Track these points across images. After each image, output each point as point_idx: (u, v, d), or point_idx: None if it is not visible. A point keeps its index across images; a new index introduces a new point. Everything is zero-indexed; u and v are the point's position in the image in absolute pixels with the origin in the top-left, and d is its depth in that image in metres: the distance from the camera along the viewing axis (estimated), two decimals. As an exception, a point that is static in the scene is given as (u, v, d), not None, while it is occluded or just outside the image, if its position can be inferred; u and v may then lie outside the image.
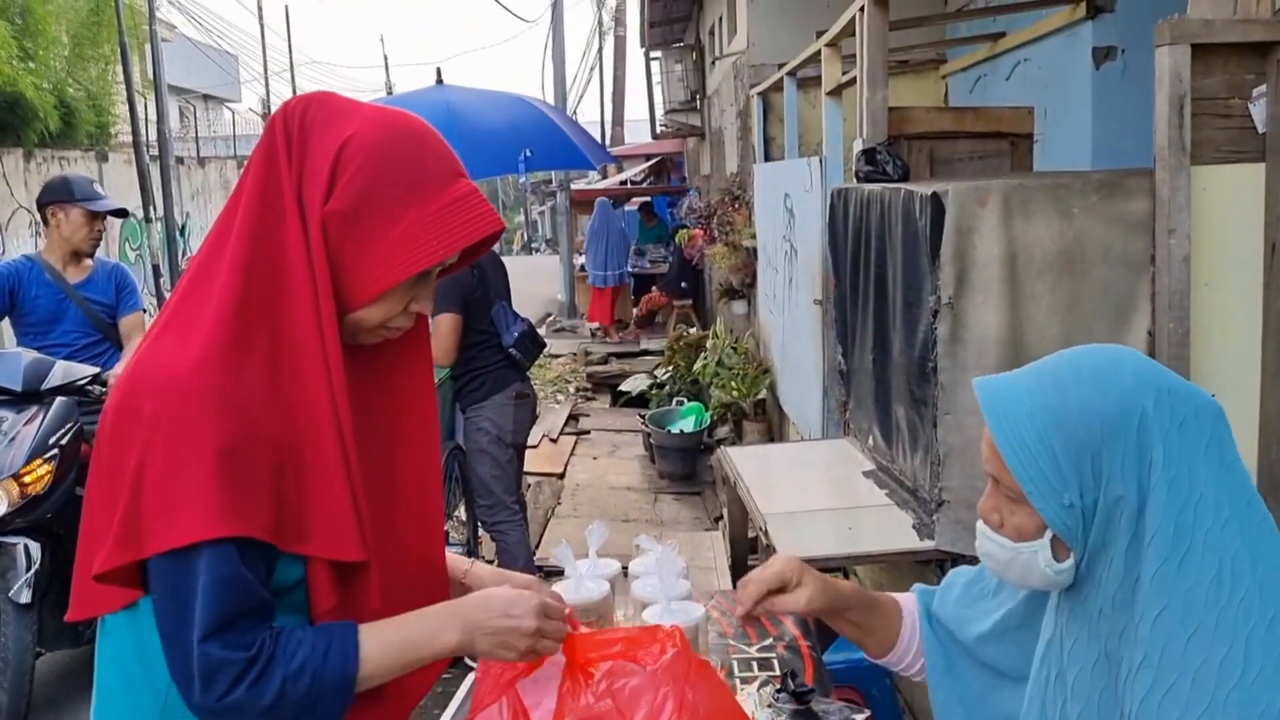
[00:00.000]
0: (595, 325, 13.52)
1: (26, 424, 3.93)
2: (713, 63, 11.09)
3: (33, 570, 3.73)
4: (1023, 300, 2.77)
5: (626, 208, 18.57)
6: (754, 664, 2.06)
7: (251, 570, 1.27)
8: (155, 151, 16.40)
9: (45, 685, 4.07)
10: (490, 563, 5.09)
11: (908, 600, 1.67)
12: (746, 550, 4.54)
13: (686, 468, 7.33)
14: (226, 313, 1.28)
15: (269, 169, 1.33)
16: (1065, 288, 2.75)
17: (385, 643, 1.35)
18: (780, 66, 6.62)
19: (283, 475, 1.28)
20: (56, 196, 4.54)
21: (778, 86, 6.79)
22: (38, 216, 4.76)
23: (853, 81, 4.45)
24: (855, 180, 3.83)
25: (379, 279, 1.34)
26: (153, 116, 16.35)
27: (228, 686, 1.25)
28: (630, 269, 14.44)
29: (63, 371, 4.15)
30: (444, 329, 4.35)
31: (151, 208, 15.82)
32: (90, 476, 1.32)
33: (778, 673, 1.99)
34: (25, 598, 3.70)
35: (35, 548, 3.78)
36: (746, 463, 3.85)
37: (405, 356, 1.48)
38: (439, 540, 1.56)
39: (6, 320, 4.67)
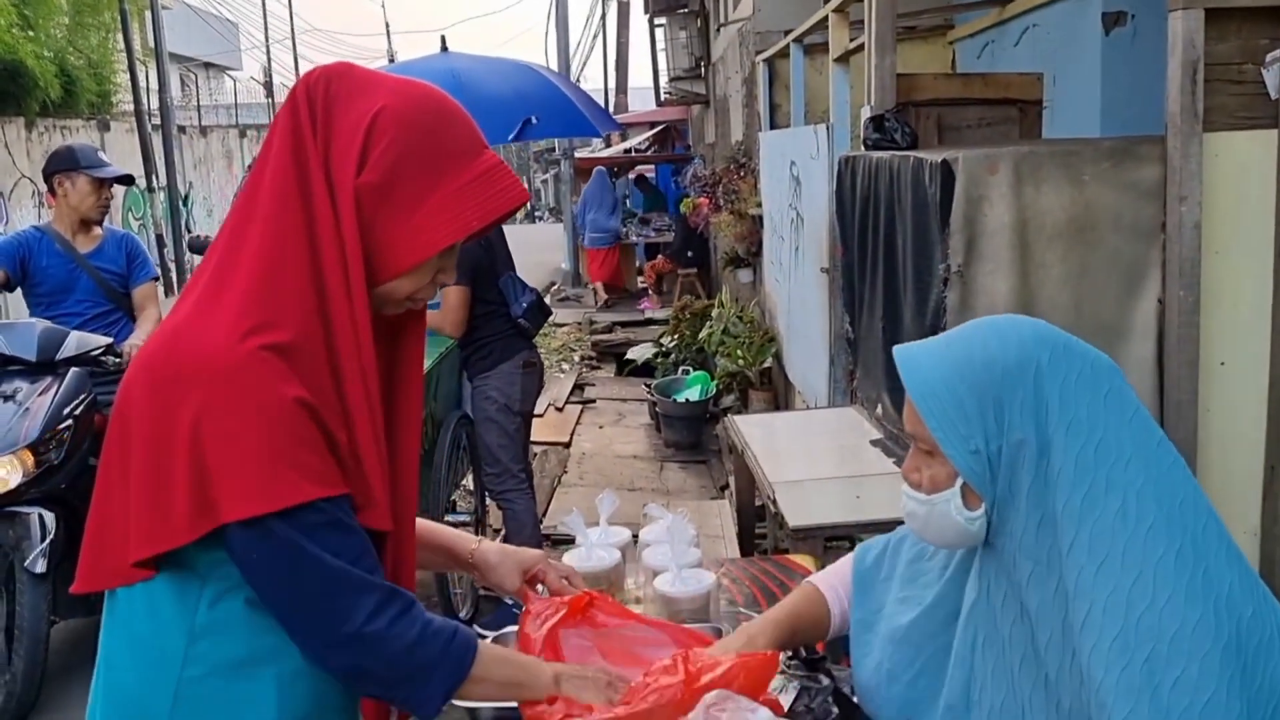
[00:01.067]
0: (598, 285, 13.65)
1: (41, 394, 3.94)
2: (718, 29, 11.01)
3: (48, 540, 3.76)
4: (1033, 268, 2.77)
5: (630, 175, 18.50)
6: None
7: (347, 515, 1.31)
8: (157, 120, 16.35)
9: (60, 654, 4.12)
10: (498, 532, 5.12)
11: (832, 580, 1.70)
12: (754, 519, 4.56)
13: (692, 436, 7.35)
14: (257, 282, 1.28)
15: (294, 142, 1.31)
16: (1075, 255, 2.74)
17: (493, 658, 1.42)
18: (786, 33, 6.57)
19: (337, 439, 1.30)
20: (62, 165, 4.53)
21: (784, 53, 6.74)
22: (42, 186, 4.76)
23: (860, 48, 4.42)
24: (863, 148, 3.81)
25: (413, 251, 1.34)
26: (154, 85, 16.28)
27: (373, 610, 1.28)
28: (636, 238, 14.44)
29: (76, 342, 4.16)
30: (453, 301, 4.36)
31: (154, 177, 15.80)
32: (109, 452, 1.31)
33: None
34: (40, 567, 3.73)
35: (50, 518, 3.81)
36: (754, 431, 3.86)
37: (407, 327, 1.48)
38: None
39: (18, 291, 4.68)
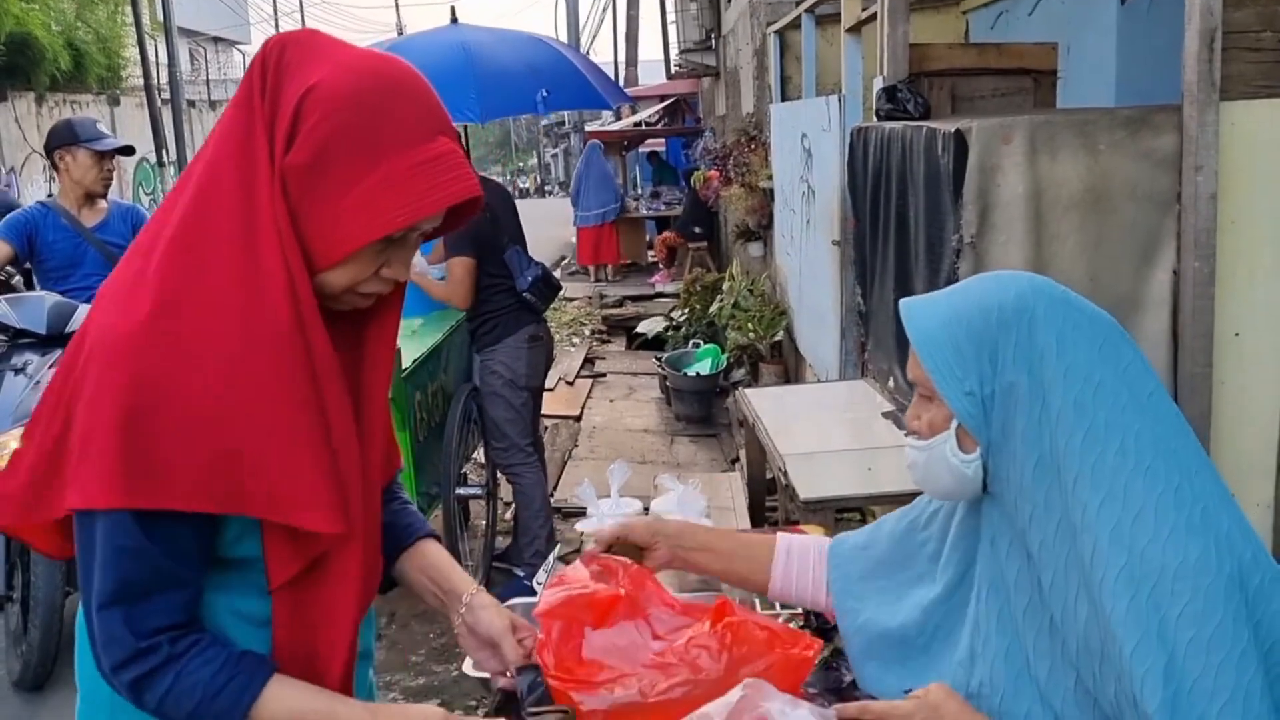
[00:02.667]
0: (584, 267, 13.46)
1: (51, 367, 3.95)
2: (728, 1, 10.93)
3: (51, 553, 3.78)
4: (1046, 239, 2.74)
5: (640, 149, 18.40)
6: (776, 601, 2.07)
7: (167, 543, 1.23)
8: (167, 95, 16.32)
9: (75, 625, 4.15)
10: (509, 505, 5.14)
11: (786, 539, 1.73)
12: (765, 492, 4.55)
13: (703, 410, 7.34)
14: (170, 269, 1.22)
15: (244, 111, 1.24)
16: (1090, 226, 2.72)
17: (286, 708, 1.29)
18: (797, 4, 6.52)
19: (236, 440, 1.21)
20: (62, 140, 4.53)
21: (795, 24, 6.68)
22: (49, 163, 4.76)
23: (873, 18, 4.38)
24: (875, 118, 3.78)
25: (339, 242, 1.24)
26: (163, 59, 16.25)
27: (119, 663, 1.24)
28: (647, 210, 14.36)
29: (85, 315, 4.17)
30: (458, 273, 4.35)
31: (164, 151, 15.79)
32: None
33: (800, 610, 2.00)
34: (53, 538, 3.75)
35: (63, 489, 3.82)
36: (765, 404, 3.86)
37: (377, 313, 1.39)
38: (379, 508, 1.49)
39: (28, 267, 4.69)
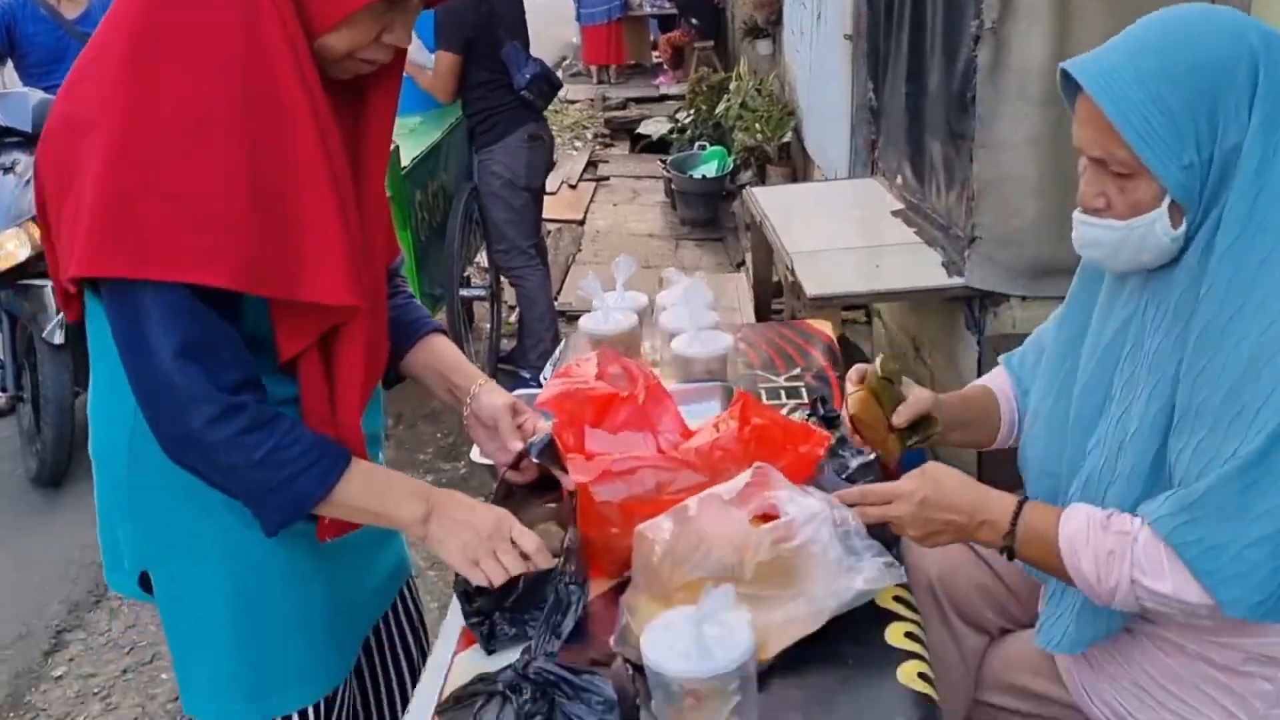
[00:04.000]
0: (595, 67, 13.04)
1: (39, 166, 3.87)
2: None
3: (62, 312, 3.78)
4: (1073, 26, 2.60)
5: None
6: (782, 392, 2.07)
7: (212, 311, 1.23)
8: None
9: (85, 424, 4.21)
10: (513, 309, 5.13)
11: (999, 381, 1.66)
12: (771, 294, 4.53)
13: (708, 214, 7.24)
14: (165, 30, 1.18)
15: None
16: (1118, 9, 2.57)
17: (363, 484, 1.33)
18: None
19: (261, 212, 1.20)
20: None
21: None
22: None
23: None
24: (895, -104, 3.56)
25: (338, 2, 1.21)
26: None
27: (212, 418, 1.22)
28: (650, 8, 13.80)
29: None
30: (442, 67, 4.23)
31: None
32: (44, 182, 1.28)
33: (806, 399, 2.00)
34: (58, 338, 3.76)
35: (63, 289, 3.81)
36: (772, 202, 3.78)
37: (377, 84, 1.36)
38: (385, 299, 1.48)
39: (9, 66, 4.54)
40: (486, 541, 1.37)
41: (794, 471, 1.50)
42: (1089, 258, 1.37)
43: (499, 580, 1.36)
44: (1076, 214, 1.32)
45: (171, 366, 1.21)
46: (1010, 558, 1.38)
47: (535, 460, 1.54)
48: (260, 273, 1.21)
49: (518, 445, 1.55)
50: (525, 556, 1.38)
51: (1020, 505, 1.36)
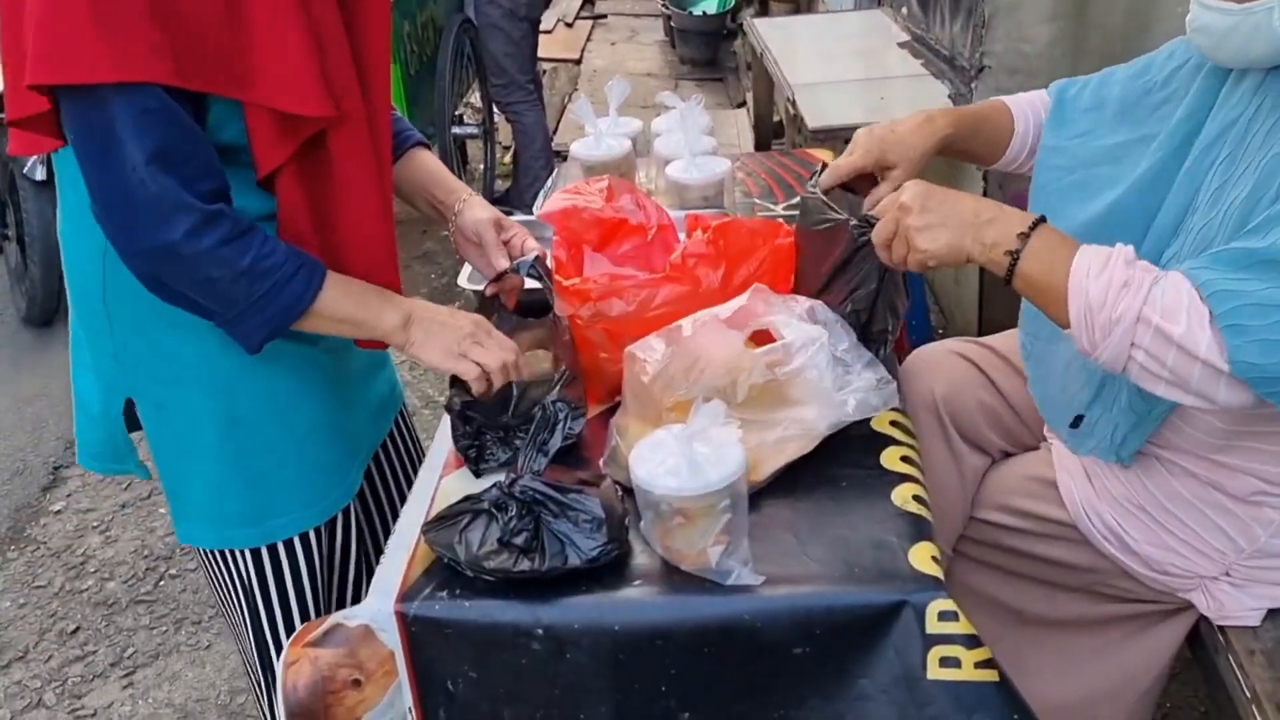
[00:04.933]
0: None
1: None
2: None
3: (45, 148, 3.68)
4: None
5: None
6: (781, 221, 2.00)
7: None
8: None
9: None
10: (508, 149, 5.00)
11: (1022, 104, 1.59)
12: (771, 132, 4.42)
13: (709, 53, 7.02)
14: None
15: None
16: None
17: (342, 292, 1.29)
18: None
19: (214, 12, 1.13)
20: None
21: None
22: None
23: None
24: None
25: None
26: None
27: (192, 227, 1.17)
28: None
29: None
30: None
31: None
32: None
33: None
34: (41, 174, 3.67)
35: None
36: (774, 34, 3.64)
37: None
38: (389, 109, 1.41)
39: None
40: (468, 339, 1.36)
41: (775, 268, 1.47)
42: (1196, 45, 1.29)
43: (492, 364, 1.34)
44: None
45: (145, 174, 1.14)
46: (1009, 276, 1.25)
47: (526, 277, 1.49)
48: (193, 65, 1.14)
49: (504, 262, 1.50)
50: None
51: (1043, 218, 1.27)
